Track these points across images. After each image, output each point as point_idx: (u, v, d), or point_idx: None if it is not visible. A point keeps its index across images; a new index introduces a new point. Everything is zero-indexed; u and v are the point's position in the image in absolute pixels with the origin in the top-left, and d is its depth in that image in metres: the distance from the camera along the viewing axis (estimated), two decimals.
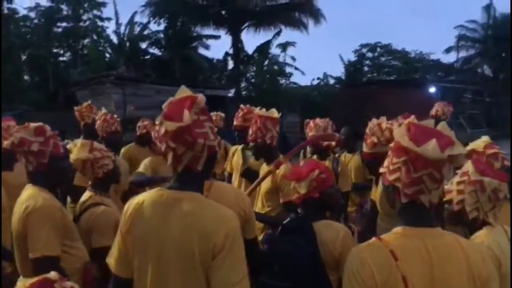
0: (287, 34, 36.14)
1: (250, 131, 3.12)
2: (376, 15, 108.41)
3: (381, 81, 25.96)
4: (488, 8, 28.51)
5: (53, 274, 1.62)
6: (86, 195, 2.76)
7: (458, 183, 1.88)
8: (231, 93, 22.04)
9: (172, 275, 1.49)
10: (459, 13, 66.34)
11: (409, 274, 1.30)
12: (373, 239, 1.40)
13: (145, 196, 1.60)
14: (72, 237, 2.15)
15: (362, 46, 29.82)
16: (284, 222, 2.03)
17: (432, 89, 21.99)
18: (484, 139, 2.60)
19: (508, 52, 27.02)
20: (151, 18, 21.21)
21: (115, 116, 4.21)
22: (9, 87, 17.92)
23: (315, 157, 4.17)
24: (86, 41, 22.89)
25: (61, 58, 22.94)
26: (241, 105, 4.11)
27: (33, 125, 2.13)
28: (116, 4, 21.17)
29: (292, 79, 25.11)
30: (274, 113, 3.10)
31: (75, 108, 4.46)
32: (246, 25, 23.69)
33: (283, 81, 24.72)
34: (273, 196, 3.09)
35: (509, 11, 26.06)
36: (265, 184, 3.10)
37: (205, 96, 1.59)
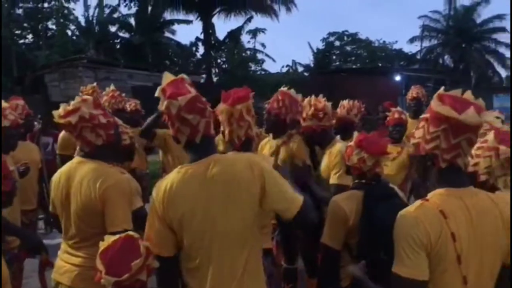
0: (257, 20, 36.15)
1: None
2: (344, 4, 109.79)
3: (350, 69, 26.52)
4: None
5: (133, 233, 1.71)
6: None
7: (477, 148, 2.03)
8: (203, 79, 21.92)
9: (236, 228, 1.62)
10: (423, 4, 68.22)
11: (456, 231, 1.43)
12: (420, 201, 1.48)
13: (172, 178, 1.65)
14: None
15: (330, 34, 30.29)
16: (354, 188, 2.15)
17: (398, 77, 22.82)
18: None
19: (468, 42, 28.28)
20: (122, 1, 20.71)
21: (123, 94, 4.21)
22: None
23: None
24: (50, 23, 22.03)
25: (22, 41, 21.93)
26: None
27: (90, 98, 2.06)
28: None
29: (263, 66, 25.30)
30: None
31: (81, 87, 4.36)
32: (217, 10, 23.49)
33: (254, 68, 24.87)
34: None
35: (468, 3, 27.29)
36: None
37: None
